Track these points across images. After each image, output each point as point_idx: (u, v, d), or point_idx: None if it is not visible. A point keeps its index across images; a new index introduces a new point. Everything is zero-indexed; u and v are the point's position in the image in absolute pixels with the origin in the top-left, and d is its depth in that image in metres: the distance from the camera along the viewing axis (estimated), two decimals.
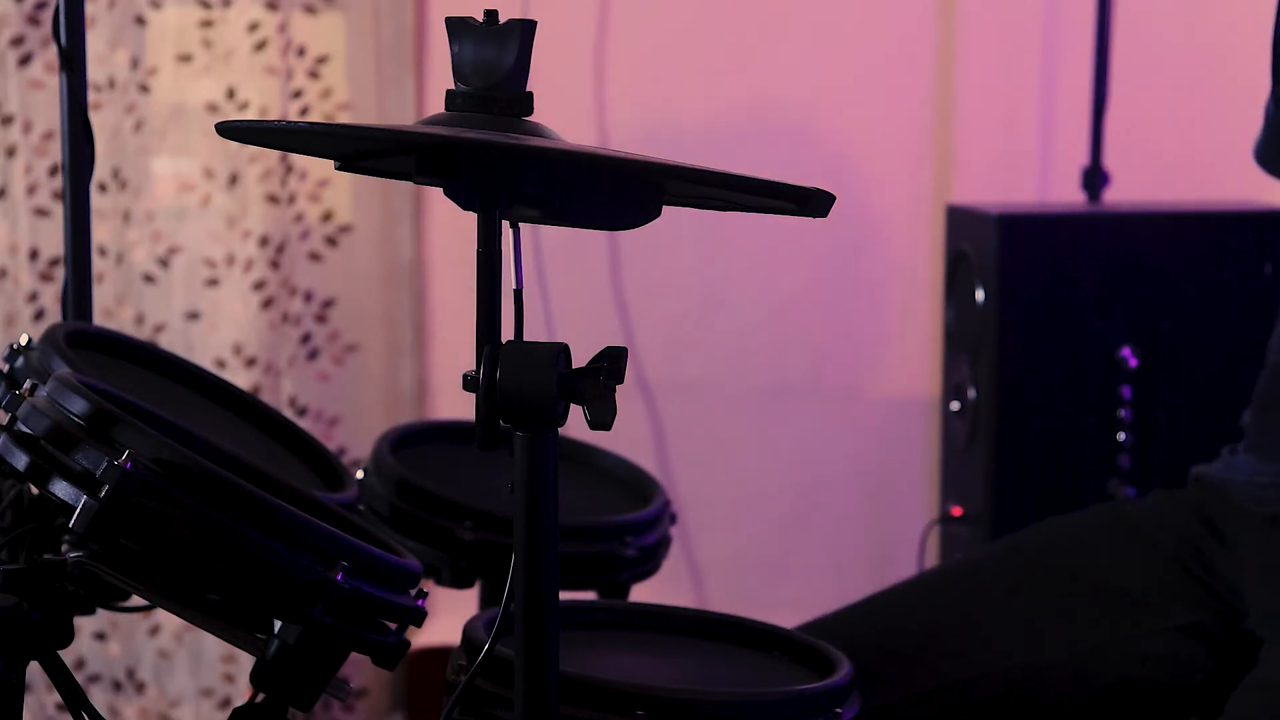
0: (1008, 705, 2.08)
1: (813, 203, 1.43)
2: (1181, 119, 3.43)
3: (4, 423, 1.64)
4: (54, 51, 2.25)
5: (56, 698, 3.11)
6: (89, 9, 2.30)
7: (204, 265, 3.35)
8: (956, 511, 3.09)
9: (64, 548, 1.80)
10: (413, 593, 1.69)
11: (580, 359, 1.49)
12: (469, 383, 1.49)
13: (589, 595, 2.20)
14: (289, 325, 3.39)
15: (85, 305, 2.24)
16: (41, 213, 3.30)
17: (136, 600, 1.88)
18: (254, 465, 1.79)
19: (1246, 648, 2.07)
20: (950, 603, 2.16)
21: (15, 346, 1.92)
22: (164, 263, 3.35)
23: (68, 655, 1.78)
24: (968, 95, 3.44)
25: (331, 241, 3.40)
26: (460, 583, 2.18)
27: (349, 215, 3.43)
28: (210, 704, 3.38)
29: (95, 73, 3.25)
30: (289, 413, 3.35)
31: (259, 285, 3.35)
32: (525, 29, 1.49)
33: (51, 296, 3.30)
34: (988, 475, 2.98)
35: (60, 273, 2.54)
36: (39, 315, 3.31)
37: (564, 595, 1.60)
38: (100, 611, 1.98)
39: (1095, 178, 3.23)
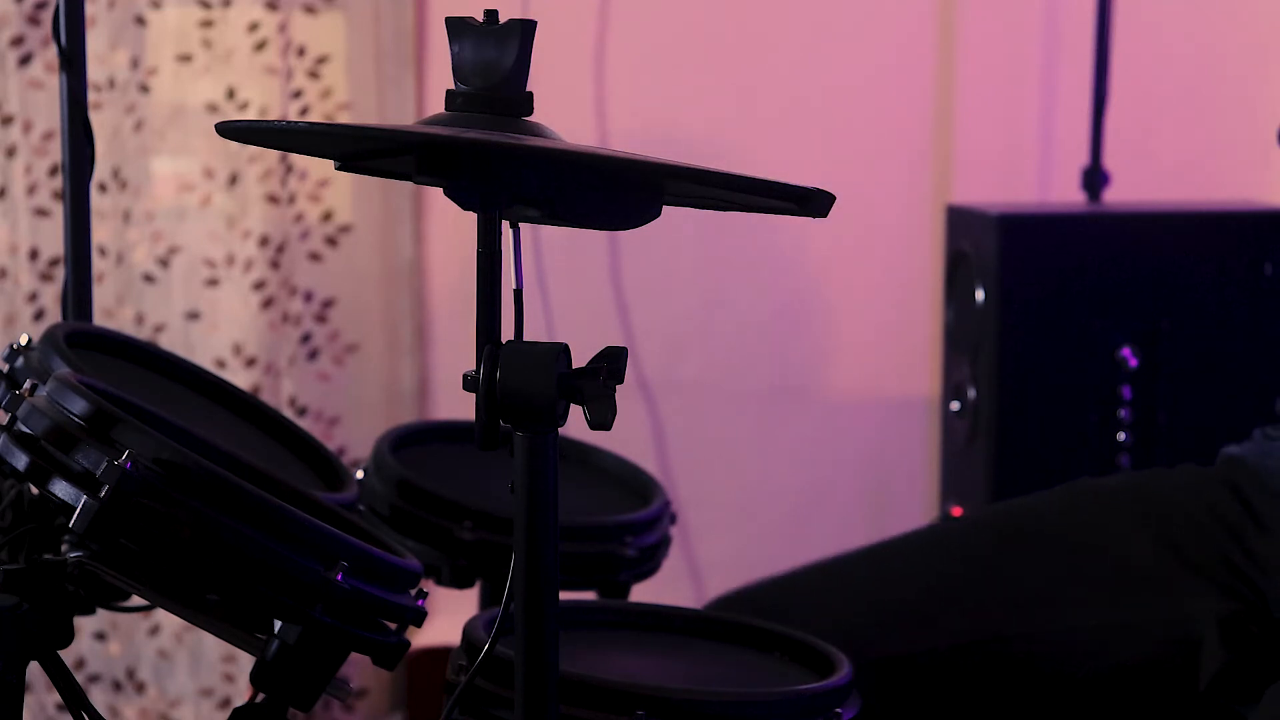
0: (1026, 670, 2.07)
1: (813, 203, 1.43)
2: (1181, 119, 3.43)
3: (4, 423, 1.64)
4: (54, 51, 2.24)
5: (56, 698, 3.11)
6: (89, 9, 2.30)
7: (204, 265, 3.35)
8: (956, 511, 3.09)
9: (64, 548, 1.80)
10: (413, 593, 1.69)
11: (580, 359, 1.49)
12: (469, 383, 1.49)
13: (589, 595, 2.20)
14: (289, 325, 3.39)
15: (85, 305, 2.24)
16: (41, 213, 3.30)
17: (136, 600, 1.88)
18: (254, 465, 1.79)
19: (1272, 636, 2.06)
20: (971, 557, 2.14)
21: (15, 346, 1.92)
22: (164, 263, 3.35)
23: (68, 655, 1.78)
24: (968, 95, 3.44)
25: (331, 241, 3.40)
26: (460, 583, 2.18)
27: (349, 215, 3.43)
28: (210, 704, 3.38)
29: (95, 73, 3.25)
30: (289, 413, 3.35)
31: (259, 285, 3.35)
32: (525, 29, 1.49)
33: (51, 296, 3.30)
34: (988, 475, 2.98)
35: (60, 273, 2.54)
36: (39, 315, 3.31)
37: (564, 595, 1.60)
38: (100, 611, 1.98)
39: (1095, 178, 3.23)
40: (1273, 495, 2.13)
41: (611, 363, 1.48)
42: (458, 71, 1.50)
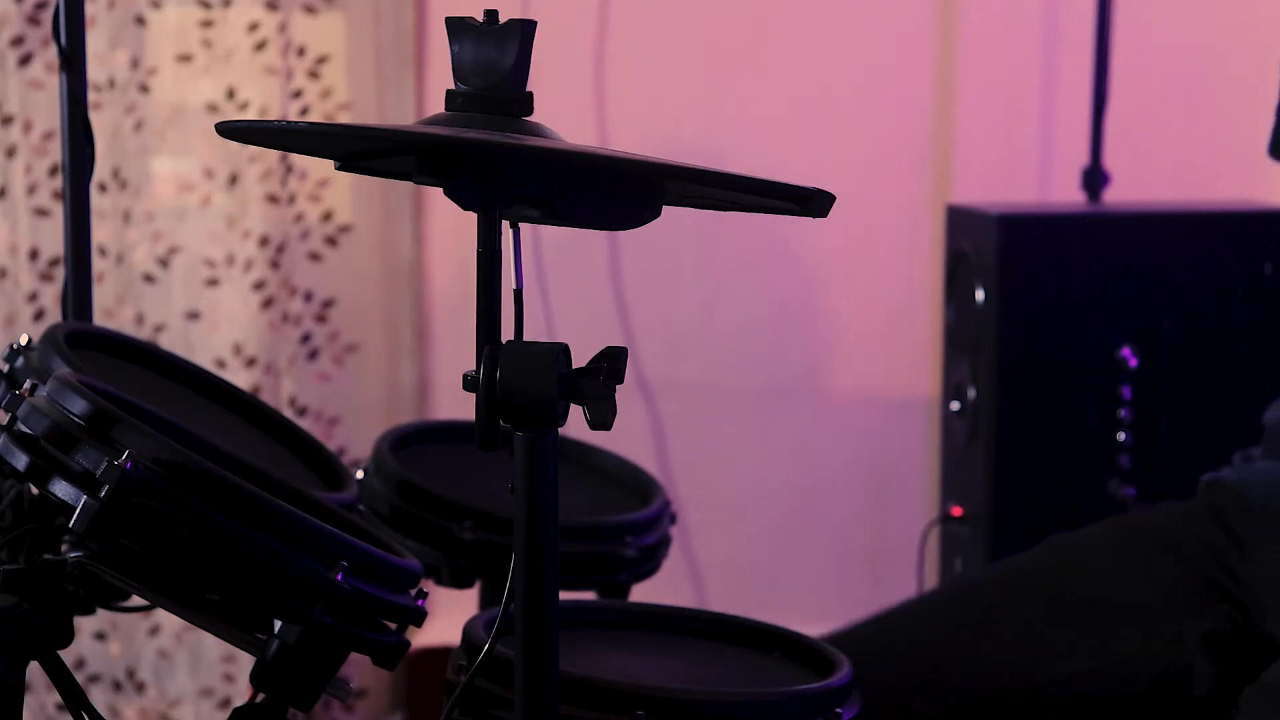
0: None
1: (813, 203, 1.43)
2: (1181, 119, 3.43)
3: (4, 423, 1.64)
4: (54, 51, 2.24)
5: (56, 698, 3.11)
6: (89, 9, 2.30)
7: (204, 265, 3.35)
8: (956, 511, 3.09)
9: (64, 548, 1.80)
10: (413, 593, 1.69)
11: (580, 359, 1.49)
12: (469, 383, 1.49)
13: (589, 595, 2.20)
14: (289, 325, 3.39)
15: (85, 305, 2.24)
16: (41, 213, 3.30)
17: (136, 600, 1.88)
18: (254, 465, 1.79)
19: (1262, 652, 2.06)
20: (961, 622, 2.15)
21: (15, 346, 1.92)
22: (164, 263, 3.35)
23: (68, 655, 1.78)
24: (968, 95, 3.44)
25: (331, 241, 3.40)
26: (460, 583, 2.18)
27: (349, 215, 3.43)
28: (210, 704, 3.38)
29: (95, 73, 3.25)
30: (289, 413, 3.35)
31: (259, 285, 3.35)
32: (525, 29, 1.49)
33: (51, 296, 3.30)
34: (988, 475, 2.98)
35: (60, 273, 2.54)
36: (39, 315, 3.31)
37: (564, 595, 1.60)
38: (100, 611, 1.98)
39: (1095, 178, 3.23)
40: (1253, 514, 2.13)
41: (611, 363, 1.48)
42: (458, 71, 1.50)
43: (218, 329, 3.36)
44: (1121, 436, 2.97)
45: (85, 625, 3.32)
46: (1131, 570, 2.14)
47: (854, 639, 2.12)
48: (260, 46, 3.33)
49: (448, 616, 2.77)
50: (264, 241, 3.34)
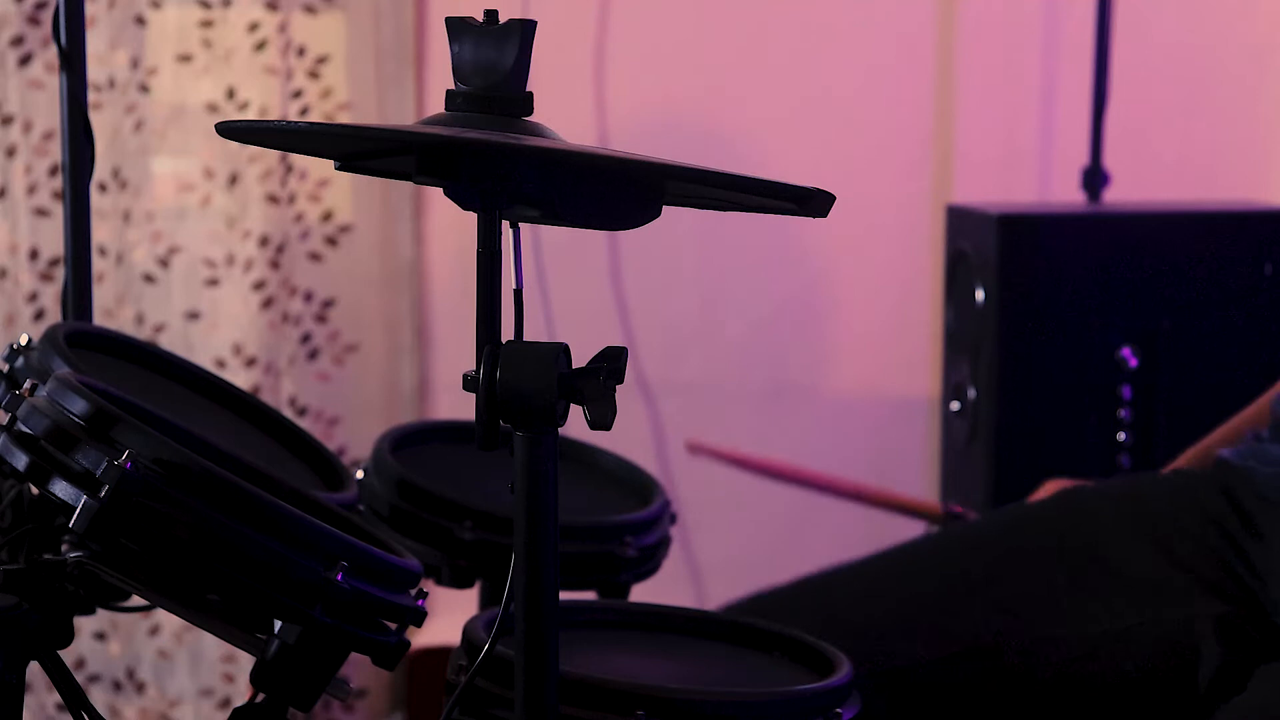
0: (1025, 677, 2.07)
1: (813, 203, 1.43)
2: (1181, 119, 3.43)
3: (4, 423, 1.64)
4: (54, 51, 2.24)
5: (56, 698, 3.11)
6: (89, 9, 2.30)
7: (204, 265, 3.35)
8: (956, 510, 3.08)
9: (64, 548, 1.80)
10: (413, 593, 1.69)
11: (580, 359, 1.49)
12: (469, 383, 1.49)
13: (589, 595, 2.20)
14: (289, 325, 3.39)
15: (85, 305, 2.24)
16: (41, 213, 3.30)
17: (136, 600, 1.88)
18: (254, 465, 1.79)
19: (1273, 640, 2.06)
20: (966, 567, 2.15)
21: (15, 346, 1.92)
22: (164, 263, 3.35)
23: (68, 655, 1.78)
24: (968, 95, 3.44)
25: (331, 241, 3.40)
26: (460, 583, 2.18)
27: (349, 215, 3.43)
28: (210, 704, 3.38)
29: (95, 73, 3.25)
30: (289, 413, 3.35)
31: (259, 285, 3.35)
32: (525, 29, 1.49)
33: (51, 296, 3.30)
34: (988, 475, 2.98)
35: (60, 273, 2.54)
36: (39, 315, 3.31)
37: (564, 595, 1.60)
38: (100, 611, 1.98)
39: (1095, 178, 3.23)
40: (1265, 501, 2.12)
41: (611, 363, 1.48)
42: (458, 71, 1.50)
43: (218, 329, 3.36)
44: (1121, 436, 2.97)
45: (85, 625, 3.31)
46: (1142, 541, 2.13)
47: (860, 573, 2.12)
48: (260, 46, 3.33)
49: (448, 616, 2.76)
50: (264, 241, 3.34)
